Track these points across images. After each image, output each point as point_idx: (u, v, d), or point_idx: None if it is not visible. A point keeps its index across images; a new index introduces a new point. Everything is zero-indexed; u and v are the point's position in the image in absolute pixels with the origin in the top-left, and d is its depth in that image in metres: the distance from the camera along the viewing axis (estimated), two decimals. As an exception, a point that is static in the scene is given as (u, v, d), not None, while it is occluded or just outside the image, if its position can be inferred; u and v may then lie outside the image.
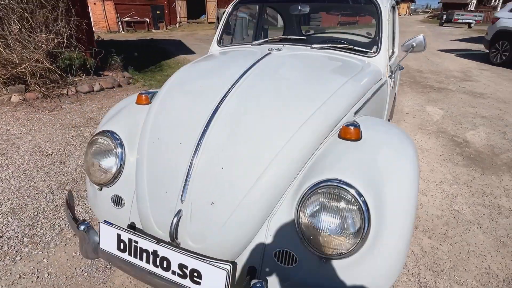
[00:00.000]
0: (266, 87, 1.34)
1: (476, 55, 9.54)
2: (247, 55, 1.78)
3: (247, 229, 1.08)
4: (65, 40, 4.62)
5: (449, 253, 1.85)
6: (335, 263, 1.02)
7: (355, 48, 1.88)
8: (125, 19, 19.28)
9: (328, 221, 1.00)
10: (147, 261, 1.07)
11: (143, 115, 1.48)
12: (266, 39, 2.10)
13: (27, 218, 2.04)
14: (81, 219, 1.38)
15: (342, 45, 1.91)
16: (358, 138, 1.18)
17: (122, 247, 1.11)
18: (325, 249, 1.00)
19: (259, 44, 2.05)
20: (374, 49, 1.87)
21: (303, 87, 1.36)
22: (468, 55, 9.62)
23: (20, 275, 1.62)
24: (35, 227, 1.96)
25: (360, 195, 0.99)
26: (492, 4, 34.62)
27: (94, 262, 1.70)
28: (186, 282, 1.01)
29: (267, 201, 1.08)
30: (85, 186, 2.42)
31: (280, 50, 1.77)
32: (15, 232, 1.91)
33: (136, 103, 1.57)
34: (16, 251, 1.77)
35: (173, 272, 1.03)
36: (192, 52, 10.17)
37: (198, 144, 1.15)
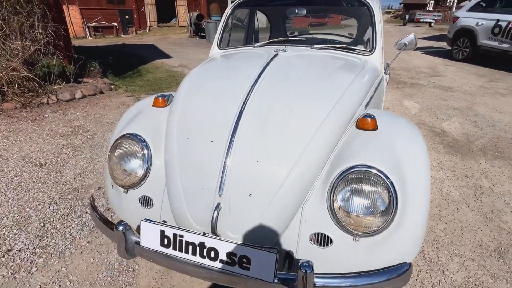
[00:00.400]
0: (285, 86, 1.44)
1: (439, 52, 10.22)
2: (254, 57, 1.86)
3: (284, 217, 1.16)
4: (42, 47, 4.45)
5: (445, 230, 2.04)
6: (367, 240, 1.13)
7: (353, 47, 2.02)
8: (92, 24, 18.58)
9: (360, 203, 1.11)
10: (193, 253, 1.12)
11: (163, 117, 1.52)
12: (267, 41, 2.19)
13: (34, 229, 1.99)
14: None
15: (340, 45, 2.04)
16: (375, 128, 1.30)
17: (166, 242, 1.15)
18: (358, 228, 1.11)
19: (261, 46, 2.14)
20: (370, 47, 2.03)
21: (318, 85, 1.47)
22: (433, 52, 10.28)
23: (40, 285, 1.59)
24: (45, 238, 1.91)
25: (387, 177, 1.10)
26: (447, 4, 37.14)
27: (116, 266, 1.70)
28: (235, 268, 1.07)
29: (300, 189, 1.17)
30: (88, 194, 2.38)
31: (285, 51, 1.86)
32: (25, 244, 1.86)
33: (153, 105, 1.61)
34: (30, 263, 1.73)
35: (221, 261, 1.09)
36: (168, 57, 10.02)
37: (230, 141, 1.22)
